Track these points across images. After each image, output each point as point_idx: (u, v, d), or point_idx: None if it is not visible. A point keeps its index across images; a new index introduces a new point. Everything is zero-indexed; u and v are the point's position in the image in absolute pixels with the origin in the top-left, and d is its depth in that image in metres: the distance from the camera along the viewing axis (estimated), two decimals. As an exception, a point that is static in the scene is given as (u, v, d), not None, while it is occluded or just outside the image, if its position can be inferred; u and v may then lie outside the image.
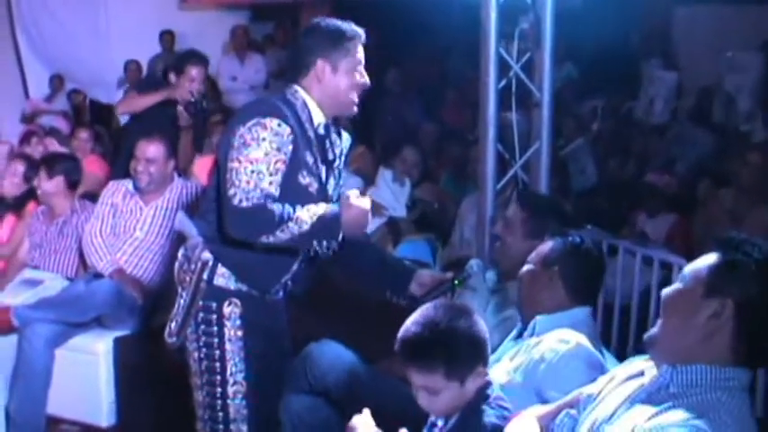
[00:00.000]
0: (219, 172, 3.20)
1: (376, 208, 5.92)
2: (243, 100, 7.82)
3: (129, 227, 5.01)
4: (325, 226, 3.04)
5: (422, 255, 5.36)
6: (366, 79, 3.30)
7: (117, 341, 4.83)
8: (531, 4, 4.40)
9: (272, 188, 3.07)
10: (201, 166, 5.86)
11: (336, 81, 3.24)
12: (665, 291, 2.23)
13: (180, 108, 5.59)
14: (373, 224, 5.80)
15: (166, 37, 10.22)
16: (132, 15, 10.21)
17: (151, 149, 5.00)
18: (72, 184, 5.41)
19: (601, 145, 8.16)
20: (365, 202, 3.09)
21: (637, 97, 10.16)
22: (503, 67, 4.44)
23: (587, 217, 5.53)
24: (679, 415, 2.05)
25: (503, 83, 4.41)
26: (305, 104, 3.24)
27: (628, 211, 6.50)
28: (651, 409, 2.12)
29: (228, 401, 3.28)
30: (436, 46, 10.40)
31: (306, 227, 3.02)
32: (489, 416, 2.62)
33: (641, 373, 2.28)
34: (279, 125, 3.09)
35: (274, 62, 10.02)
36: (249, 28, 10.52)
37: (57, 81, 10.83)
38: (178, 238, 3.38)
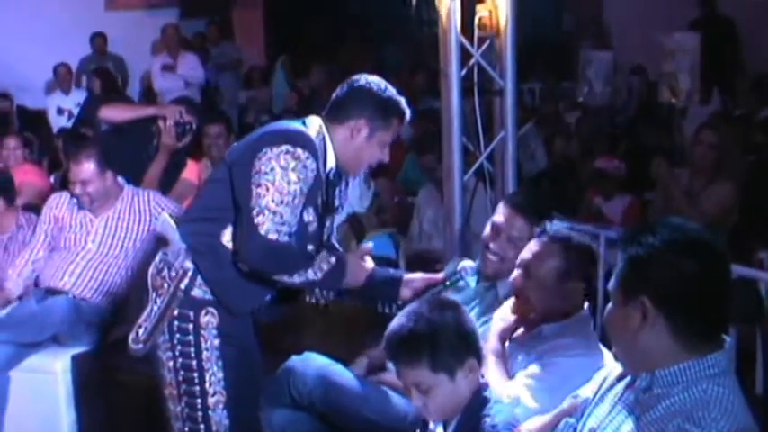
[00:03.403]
0: (232, 186, 3.11)
1: None
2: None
3: (80, 239, 4.81)
4: (332, 278, 3.11)
5: (385, 250, 5.30)
6: (386, 158, 3.30)
7: (75, 359, 4.64)
8: (490, -9, 4.35)
9: (294, 223, 3.04)
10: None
11: (365, 146, 3.22)
12: (604, 315, 2.20)
13: (170, 123, 5.26)
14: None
15: (98, 40, 9.99)
16: (58, 18, 9.97)
17: (82, 170, 4.74)
18: (9, 201, 5.20)
19: (543, 128, 8.16)
20: (369, 263, 3.23)
21: (571, 79, 10.22)
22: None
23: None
24: (668, 424, 2.01)
25: (463, 72, 4.33)
26: (324, 143, 3.18)
27: (579, 193, 6.51)
28: (640, 416, 2.09)
29: (210, 413, 3.18)
30: (370, 36, 10.36)
31: (319, 276, 3.07)
32: (488, 426, 2.55)
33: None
34: (308, 158, 3.04)
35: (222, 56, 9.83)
36: (180, 26, 10.33)
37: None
38: (157, 242, 3.25)
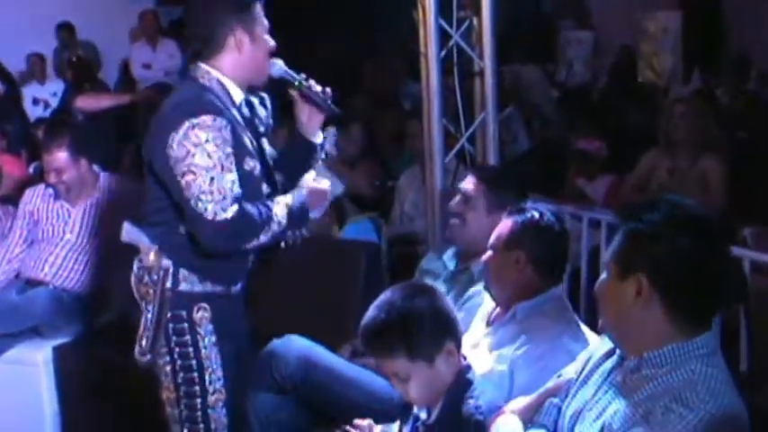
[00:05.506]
0: (163, 179, 2.99)
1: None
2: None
3: (58, 230, 4.76)
4: (296, 216, 3.02)
5: (367, 234, 5.28)
6: (273, 42, 3.11)
7: (56, 349, 4.60)
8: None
9: (236, 187, 2.91)
10: None
11: (255, 50, 3.04)
12: (596, 286, 2.16)
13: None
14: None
15: (64, 33, 9.94)
16: (32, 6, 9.83)
17: (55, 159, 4.67)
18: None
19: (524, 110, 8.12)
20: (324, 183, 3.17)
21: (552, 60, 10.21)
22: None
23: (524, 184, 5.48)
24: (655, 404, 1.99)
25: (443, 53, 4.30)
26: (221, 85, 3.03)
27: (561, 174, 6.48)
28: (627, 396, 2.07)
29: (209, 412, 3.11)
30: (359, 18, 10.30)
31: (284, 222, 2.98)
32: (472, 408, 2.53)
33: (614, 351, 2.22)
34: (214, 120, 2.89)
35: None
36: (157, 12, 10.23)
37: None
38: (131, 250, 3.16)
